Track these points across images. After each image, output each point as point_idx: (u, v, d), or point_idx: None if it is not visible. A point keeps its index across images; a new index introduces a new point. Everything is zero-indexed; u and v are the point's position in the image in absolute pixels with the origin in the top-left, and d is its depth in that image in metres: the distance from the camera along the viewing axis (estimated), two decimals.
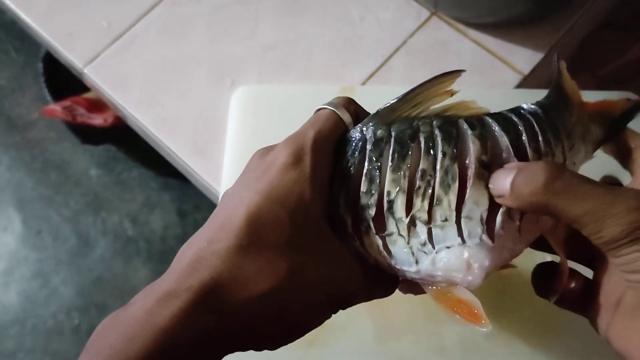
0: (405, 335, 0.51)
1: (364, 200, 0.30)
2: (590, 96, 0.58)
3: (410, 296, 0.51)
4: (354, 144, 0.31)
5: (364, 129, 0.32)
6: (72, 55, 0.64)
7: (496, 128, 0.31)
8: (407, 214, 0.30)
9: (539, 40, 0.60)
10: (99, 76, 0.63)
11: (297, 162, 0.29)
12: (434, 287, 0.31)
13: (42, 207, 1.39)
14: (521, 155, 0.30)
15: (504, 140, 0.30)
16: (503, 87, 0.59)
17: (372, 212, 0.30)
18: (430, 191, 0.30)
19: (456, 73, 0.32)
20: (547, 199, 0.27)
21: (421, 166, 0.30)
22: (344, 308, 0.31)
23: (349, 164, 0.31)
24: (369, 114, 0.33)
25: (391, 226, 0.30)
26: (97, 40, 0.64)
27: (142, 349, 0.25)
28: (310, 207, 0.29)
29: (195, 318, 0.25)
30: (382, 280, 0.32)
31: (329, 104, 0.33)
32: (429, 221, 0.30)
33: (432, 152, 0.30)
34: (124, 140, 1.35)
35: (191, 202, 1.36)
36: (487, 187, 0.30)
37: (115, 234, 1.35)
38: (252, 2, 0.65)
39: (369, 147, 0.31)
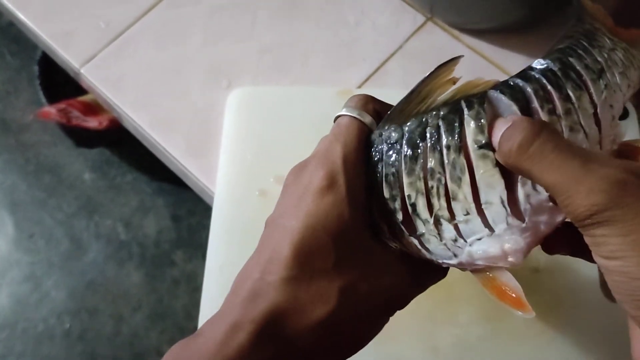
0: (401, 336, 0.51)
1: (390, 205, 0.31)
2: None
3: None
4: (374, 151, 0.32)
5: (381, 133, 0.32)
6: (69, 55, 0.64)
7: (503, 98, 0.29)
8: (431, 214, 0.30)
9: (533, 47, 0.61)
10: (96, 76, 0.63)
11: (331, 185, 0.30)
12: (481, 273, 0.31)
13: (35, 210, 1.39)
14: None
15: (512, 109, 0.29)
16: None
17: (400, 216, 0.31)
18: (443, 189, 0.29)
19: (454, 61, 0.31)
20: (519, 161, 0.26)
21: (429, 165, 0.30)
22: (400, 308, 0.32)
23: (374, 172, 0.31)
24: (389, 105, 0.33)
25: (420, 227, 0.31)
26: (94, 40, 0.64)
27: None
28: (351, 226, 0.29)
29: (259, 348, 0.27)
30: (429, 269, 0.33)
31: (347, 108, 0.33)
32: (452, 218, 0.30)
33: (437, 147, 0.30)
34: (119, 143, 1.35)
35: (185, 207, 1.36)
36: (496, 166, 0.28)
37: (108, 238, 1.35)
38: (249, 5, 0.66)
39: (384, 152, 0.31)
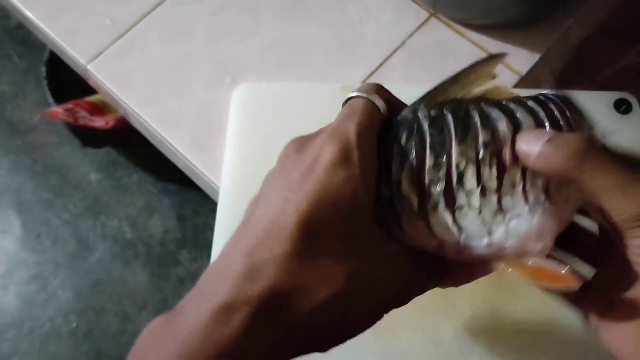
0: (402, 330, 0.51)
1: (430, 175, 0.30)
2: (589, 96, 0.59)
3: None
4: (408, 125, 0.31)
5: (415, 109, 0.32)
6: (76, 52, 0.65)
7: (534, 106, 0.31)
8: (478, 184, 0.30)
9: (535, 42, 0.61)
10: (102, 73, 0.64)
11: (345, 160, 0.27)
12: (504, 262, 0.31)
13: (41, 211, 1.40)
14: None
15: (541, 116, 0.31)
16: (504, 86, 0.60)
17: (441, 186, 0.30)
18: (496, 160, 0.30)
19: (501, 56, 0.32)
20: (571, 169, 0.27)
21: (482, 138, 0.30)
22: (397, 307, 0.30)
23: (407, 144, 0.31)
24: (399, 101, 0.33)
25: (461, 198, 0.30)
26: (100, 37, 0.65)
27: None
28: (363, 208, 0.27)
29: (256, 333, 0.24)
30: (432, 272, 0.32)
31: (361, 90, 0.31)
32: (498, 188, 0.30)
33: (489, 126, 0.30)
34: (125, 143, 1.36)
35: (190, 207, 1.37)
36: None
37: (115, 237, 1.35)
38: (253, 2, 0.66)
39: (426, 125, 0.31)
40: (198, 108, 0.61)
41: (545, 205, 0.30)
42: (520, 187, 0.30)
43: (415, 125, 0.31)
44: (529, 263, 0.30)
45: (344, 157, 0.27)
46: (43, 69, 1.24)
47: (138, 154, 1.38)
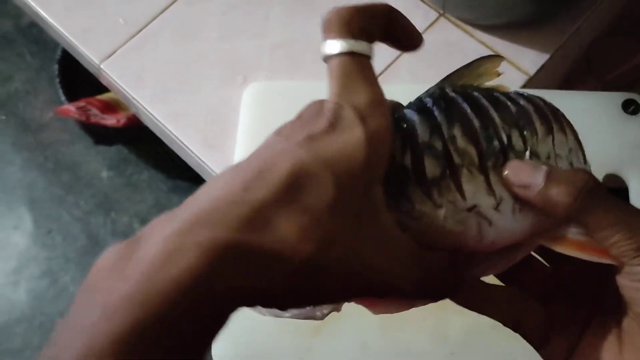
0: (410, 325, 0.51)
1: (483, 134, 0.29)
2: (597, 97, 0.60)
3: None
4: (441, 96, 0.31)
5: (442, 86, 0.32)
6: (89, 51, 0.66)
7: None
8: (525, 147, 0.30)
9: (544, 42, 0.61)
10: (115, 72, 0.65)
11: (353, 124, 0.26)
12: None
13: (53, 207, 1.41)
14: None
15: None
16: (509, 87, 0.60)
17: (497, 143, 0.29)
18: (533, 126, 0.31)
19: (501, 58, 0.34)
20: (579, 208, 0.28)
21: (515, 108, 0.31)
22: (379, 297, 0.29)
23: (449, 109, 0.30)
24: (373, 18, 0.30)
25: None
26: (113, 37, 0.66)
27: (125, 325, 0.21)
28: (362, 172, 0.25)
29: (220, 274, 0.22)
30: (438, 282, 0.29)
31: (338, 41, 0.28)
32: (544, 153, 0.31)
33: (516, 102, 0.32)
34: (136, 141, 1.37)
35: None
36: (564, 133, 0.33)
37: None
38: (264, 1, 0.67)
39: (460, 98, 0.30)
40: (209, 106, 0.62)
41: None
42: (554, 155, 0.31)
43: (449, 96, 0.31)
44: (571, 238, 0.30)
45: (350, 122, 0.26)
46: (55, 67, 1.26)
47: (149, 151, 1.39)
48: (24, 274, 1.35)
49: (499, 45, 0.62)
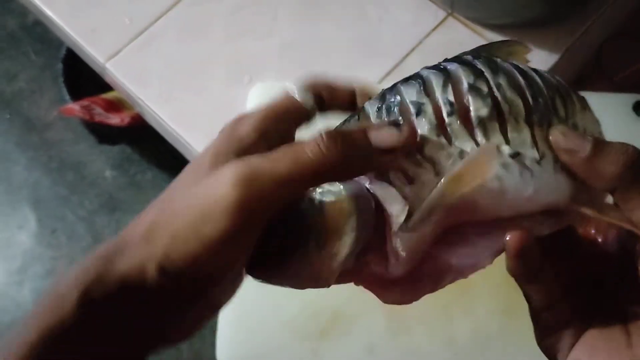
0: (417, 328, 0.51)
1: (529, 90, 0.28)
2: (606, 99, 0.59)
3: None
4: (470, 59, 0.30)
5: (470, 56, 0.30)
6: (95, 50, 0.65)
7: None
8: (567, 116, 0.29)
9: (554, 42, 0.61)
10: (120, 71, 0.64)
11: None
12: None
13: (57, 207, 1.41)
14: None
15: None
16: None
17: (542, 101, 0.29)
18: (571, 99, 0.30)
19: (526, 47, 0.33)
20: (628, 180, 0.27)
21: (551, 82, 0.30)
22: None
23: (486, 63, 0.29)
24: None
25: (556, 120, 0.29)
26: (119, 36, 0.66)
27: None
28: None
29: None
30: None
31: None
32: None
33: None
34: (140, 141, 1.37)
35: None
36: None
37: None
38: (271, 1, 0.66)
39: (499, 60, 0.29)
40: (215, 106, 0.62)
41: None
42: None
43: (488, 57, 0.30)
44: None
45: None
46: (60, 66, 1.26)
47: (152, 151, 1.39)
48: (28, 273, 1.35)
49: None
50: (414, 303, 0.53)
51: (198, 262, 0.25)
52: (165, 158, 1.38)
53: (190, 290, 0.26)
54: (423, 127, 0.27)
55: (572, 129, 0.29)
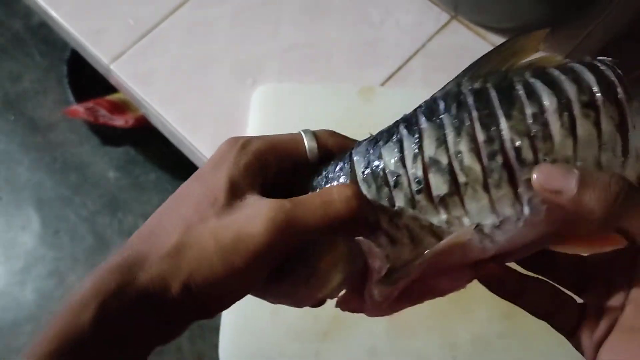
0: (418, 331, 0.51)
1: (487, 149, 0.29)
2: None
3: None
4: (454, 98, 0.30)
5: (460, 82, 0.31)
6: (99, 51, 0.66)
7: (582, 71, 0.30)
8: (535, 159, 0.29)
9: (557, 46, 0.61)
10: (125, 72, 0.64)
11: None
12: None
13: (60, 207, 1.41)
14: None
15: (588, 83, 0.29)
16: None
17: (501, 159, 0.29)
18: (547, 131, 0.29)
19: (543, 31, 0.32)
20: (615, 214, 0.28)
21: (531, 110, 0.29)
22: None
23: (458, 115, 0.30)
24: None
25: (522, 173, 0.29)
26: (123, 37, 0.66)
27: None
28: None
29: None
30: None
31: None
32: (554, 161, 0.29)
33: (535, 97, 0.29)
34: (143, 142, 1.37)
35: None
36: (595, 126, 0.29)
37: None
38: (275, 4, 0.67)
39: (471, 99, 0.30)
40: (219, 108, 0.62)
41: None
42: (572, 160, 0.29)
43: (460, 98, 0.30)
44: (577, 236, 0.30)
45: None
46: (64, 67, 1.26)
47: (156, 152, 1.39)
48: (31, 273, 1.35)
49: None
50: (415, 306, 0.53)
51: (220, 287, 0.28)
52: (169, 160, 1.39)
53: (206, 308, 0.29)
54: (400, 199, 0.30)
55: (558, 162, 0.29)
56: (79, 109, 1.11)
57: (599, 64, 0.31)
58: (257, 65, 0.64)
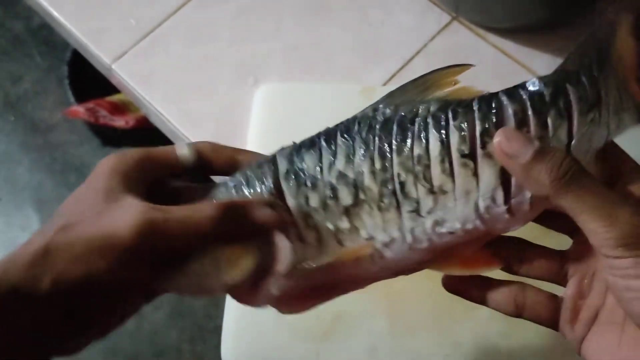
0: (420, 331, 0.51)
1: (381, 176, 0.33)
2: None
3: (425, 292, 0.51)
4: (366, 123, 0.34)
5: (377, 108, 0.34)
6: (101, 51, 0.66)
7: (477, 115, 0.32)
8: (417, 194, 0.32)
9: (558, 46, 0.61)
10: (126, 72, 0.65)
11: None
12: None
13: None
14: None
15: (488, 125, 0.31)
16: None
17: (392, 186, 0.32)
18: (429, 174, 0.32)
19: (466, 66, 0.34)
20: (559, 192, 0.29)
21: (416, 152, 0.32)
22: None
23: (366, 139, 0.33)
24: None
25: (406, 205, 0.32)
26: (125, 37, 0.66)
27: None
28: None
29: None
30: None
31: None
32: (434, 207, 0.32)
33: (425, 136, 0.32)
34: (144, 143, 1.37)
35: None
36: (474, 176, 0.31)
37: None
38: (276, 4, 0.67)
39: (378, 127, 0.33)
40: (221, 108, 0.62)
41: (475, 225, 0.32)
42: (451, 208, 0.32)
43: (370, 123, 0.33)
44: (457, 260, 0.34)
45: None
46: (65, 68, 1.26)
47: None
48: None
49: (513, 48, 0.62)
50: (417, 306, 0.52)
51: (90, 285, 0.29)
52: None
53: (76, 308, 0.30)
54: (315, 200, 0.33)
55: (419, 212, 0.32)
56: (80, 109, 1.11)
57: (505, 98, 0.32)
58: (259, 65, 0.64)
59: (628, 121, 0.32)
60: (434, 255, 0.34)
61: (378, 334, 0.51)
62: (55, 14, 0.68)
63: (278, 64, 0.64)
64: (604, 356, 0.31)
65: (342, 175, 0.33)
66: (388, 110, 0.33)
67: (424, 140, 0.32)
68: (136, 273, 0.30)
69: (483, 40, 0.63)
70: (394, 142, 0.32)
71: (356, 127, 0.34)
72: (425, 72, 0.34)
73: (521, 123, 0.31)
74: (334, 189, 0.33)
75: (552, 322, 0.34)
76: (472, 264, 0.33)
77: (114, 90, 0.72)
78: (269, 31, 0.66)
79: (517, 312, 0.35)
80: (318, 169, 0.33)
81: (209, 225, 0.31)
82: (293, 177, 0.34)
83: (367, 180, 0.33)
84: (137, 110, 1.11)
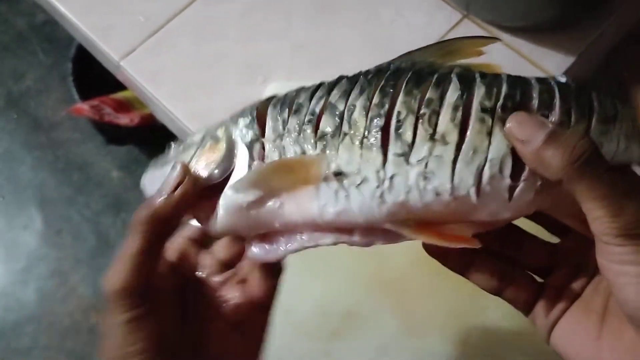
0: (429, 331, 0.51)
1: (373, 111, 0.31)
2: None
3: (435, 291, 0.51)
4: (379, 69, 0.33)
5: (393, 62, 0.33)
6: (109, 48, 0.65)
7: (506, 83, 0.30)
8: (413, 139, 0.30)
9: (569, 45, 0.61)
10: (135, 69, 0.64)
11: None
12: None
13: (63, 207, 1.41)
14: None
15: (515, 93, 0.30)
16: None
17: (381, 122, 0.30)
18: (435, 119, 0.30)
19: (492, 39, 0.34)
20: (572, 176, 0.28)
21: (429, 95, 0.30)
22: None
23: (370, 81, 0.32)
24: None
25: (395, 147, 0.30)
26: (133, 34, 0.66)
27: None
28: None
29: None
30: None
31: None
32: (429, 154, 0.30)
33: (440, 87, 0.30)
34: (148, 142, 1.37)
35: None
36: (488, 135, 0.29)
37: None
38: (285, 2, 0.66)
39: (389, 73, 0.32)
40: (229, 106, 0.61)
41: (469, 193, 0.30)
42: (451, 159, 0.29)
43: (382, 68, 0.33)
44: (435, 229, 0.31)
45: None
46: (69, 65, 1.26)
47: (160, 152, 1.38)
48: (33, 273, 1.35)
49: (524, 47, 0.61)
50: (426, 305, 0.52)
51: None
52: None
53: None
54: (292, 123, 0.32)
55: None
56: (84, 107, 1.11)
57: (534, 80, 0.31)
58: (268, 63, 0.63)
59: (635, 153, 0.31)
60: (404, 219, 0.31)
61: (386, 332, 0.51)
62: (63, 9, 0.68)
63: (286, 62, 0.64)
64: (580, 348, 0.31)
65: (331, 106, 0.32)
66: (404, 64, 0.33)
67: (440, 88, 0.30)
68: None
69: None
70: (403, 83, 0.31)
71: (363, 74, 0.33)
72: None
73: (545, 105, 0.30)
74: (314, 114, 0.32)
75: (526, 306, 0.34)
76: (449, 237, 0.30)
77: (118, 87, 0.71)
78: (277, 29, 0.65)
79: (497, 290, 0.34)
80: (308, 98, 0.33)
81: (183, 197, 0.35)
82: (280, 103, 0.34)
83: (357, 114, 0.31)
84: (142, 107, 1.11)
